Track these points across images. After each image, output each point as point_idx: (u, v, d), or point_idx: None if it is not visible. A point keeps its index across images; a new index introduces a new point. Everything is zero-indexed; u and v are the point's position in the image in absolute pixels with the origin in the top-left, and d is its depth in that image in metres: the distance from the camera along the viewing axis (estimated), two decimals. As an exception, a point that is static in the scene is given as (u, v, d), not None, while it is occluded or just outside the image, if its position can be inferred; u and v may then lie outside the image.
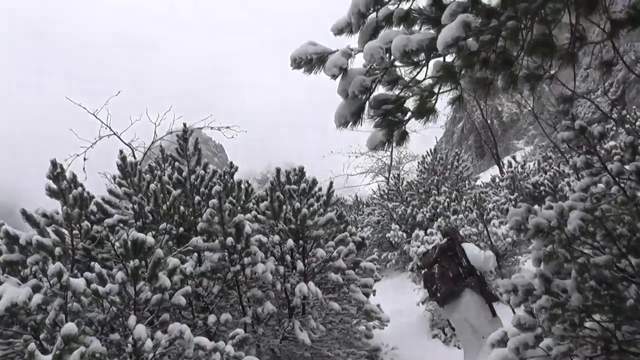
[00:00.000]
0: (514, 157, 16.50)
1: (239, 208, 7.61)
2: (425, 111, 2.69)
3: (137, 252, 4.09)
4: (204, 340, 3.58)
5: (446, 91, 2.71)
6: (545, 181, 11.35)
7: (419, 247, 9.03)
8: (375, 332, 6.77)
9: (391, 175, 23.58)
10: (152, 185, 5.82)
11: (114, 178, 6.90)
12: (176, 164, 6.71)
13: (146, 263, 4.16)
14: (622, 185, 3.09)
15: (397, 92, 2.63)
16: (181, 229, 6.36)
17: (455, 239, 5.91)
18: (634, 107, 22.51)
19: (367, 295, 6.58)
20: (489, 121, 28.97)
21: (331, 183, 7.47)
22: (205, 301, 5.77)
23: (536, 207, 2.83)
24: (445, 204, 10.97)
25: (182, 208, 6.32)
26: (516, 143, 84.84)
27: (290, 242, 5.87)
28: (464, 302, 5.39)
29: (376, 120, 2.63)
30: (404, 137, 2.70)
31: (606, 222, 3.00)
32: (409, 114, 2.68)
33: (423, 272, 6.16)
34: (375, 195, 17.83)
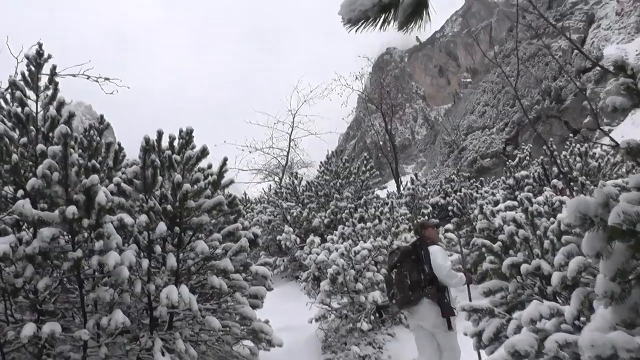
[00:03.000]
0: (416, 175, 15.97)
1: (103, 174, 5.83)
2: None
3: None
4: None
5: None
6: (455, 201, 10.57)
7: (318, 254, 7.74)
8: (259, 354, 5.32)
9: (285, 176, 22.27)
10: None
11: None
12: (17, 93, 4.81)
13: None
14: None
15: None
16: (21, 191, 4.52)
17: (424, 240, 5.33)
18: (523, 145, 23.21)
19: (255, 307, 5.13)
20: (385, 139, 28.61)
21: (225, 159, 5.85)
22: (31, 300, 4.03)
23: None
24: (351, 209, 9.75)
25: (15, 157, 4.46)
26: (405, 167, 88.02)
27: (162, 227, 4.27)
28: (421, 310, 5.08)
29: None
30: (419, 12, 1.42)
31: None
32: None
33: (384, 274, 6.16)
34: (266, 195, 16.34)
